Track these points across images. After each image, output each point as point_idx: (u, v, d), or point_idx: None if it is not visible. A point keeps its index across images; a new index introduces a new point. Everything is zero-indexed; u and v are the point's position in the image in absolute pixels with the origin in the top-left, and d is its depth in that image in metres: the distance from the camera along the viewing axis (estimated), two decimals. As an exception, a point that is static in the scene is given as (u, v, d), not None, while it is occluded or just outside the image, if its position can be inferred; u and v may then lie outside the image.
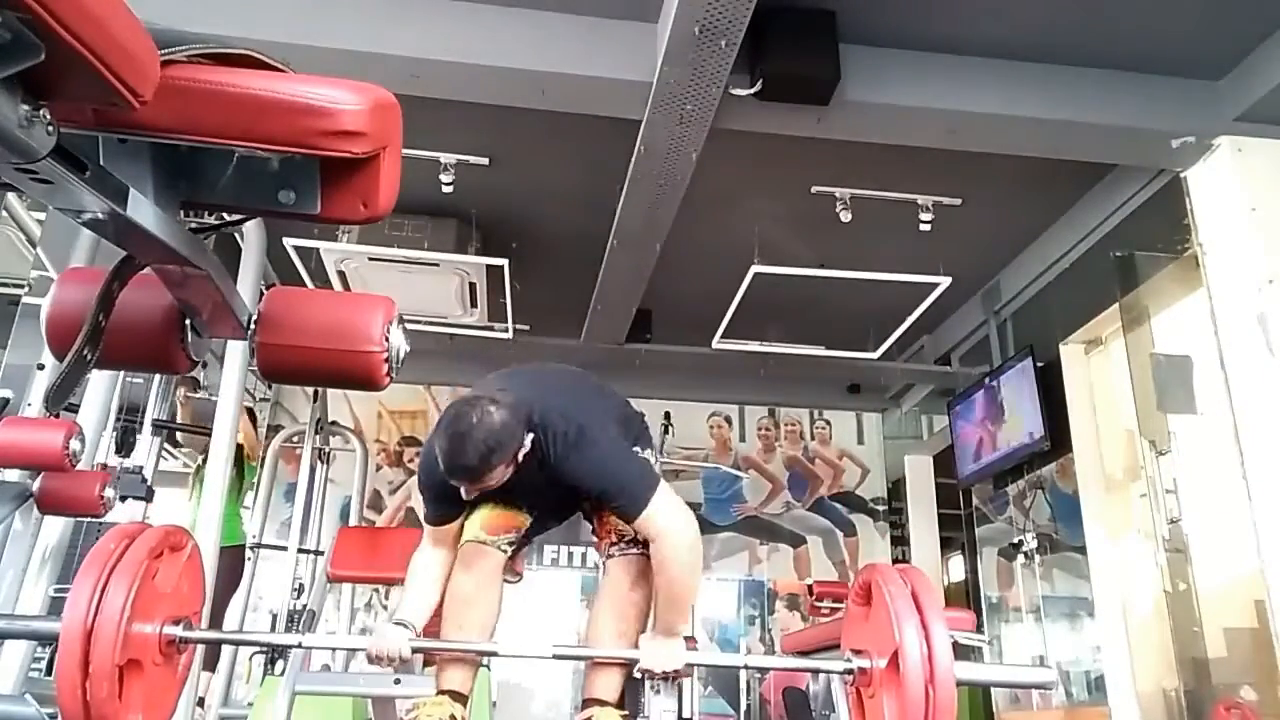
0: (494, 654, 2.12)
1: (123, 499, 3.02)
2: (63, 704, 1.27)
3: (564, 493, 2.21)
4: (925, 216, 4.72)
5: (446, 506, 2.19)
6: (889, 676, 1.54)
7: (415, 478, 2.25)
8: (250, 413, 4.92)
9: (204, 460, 4.48)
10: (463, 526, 2.28)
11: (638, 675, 2.13)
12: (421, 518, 2.28)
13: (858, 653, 1.66)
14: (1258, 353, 3.54)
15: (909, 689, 1.46)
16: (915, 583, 1.58)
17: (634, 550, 2.21)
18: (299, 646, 2.47)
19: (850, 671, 1.66)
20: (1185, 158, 3.92)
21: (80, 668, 1.25)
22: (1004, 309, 5.87)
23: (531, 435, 2.03)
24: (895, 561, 7.04)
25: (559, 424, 2.08)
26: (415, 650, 2.09)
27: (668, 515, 2.05)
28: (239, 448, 4.30)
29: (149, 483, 3.50)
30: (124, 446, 3.86)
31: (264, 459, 5.02)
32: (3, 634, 2.03)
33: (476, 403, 1.97)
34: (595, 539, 2.33)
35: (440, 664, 2.21)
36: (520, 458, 2.02)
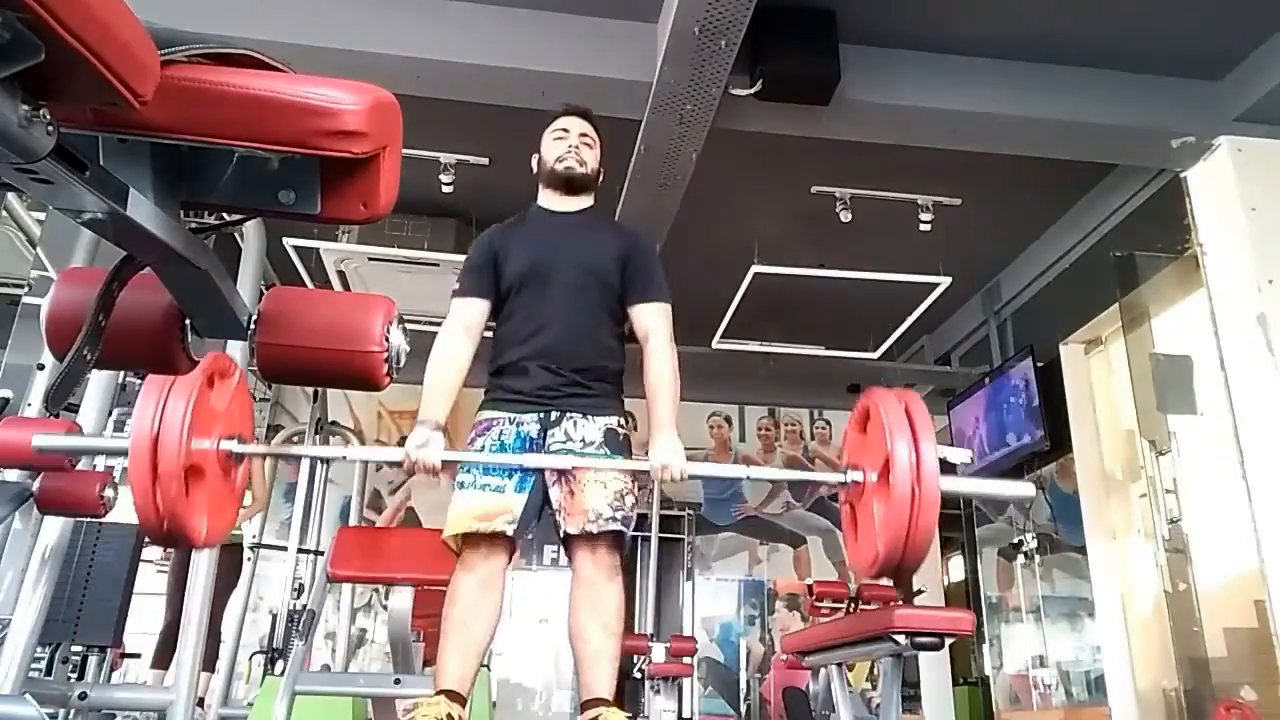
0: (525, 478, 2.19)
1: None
2: (138, 506, 1.37)
3: (592, 266, 2.39)
4: (925, 216, 4.72)
5: (484, 276, 2.41)
6: (880, 486, 1.66)
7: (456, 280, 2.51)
8: None
9: None
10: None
11: (656, 480, 2.14)
12: (454, 296, 2.44)
13: (853, 468, 1.78)
14: (1258, 353, 3.54)
15: (896, 486, 1.56)
16: (909, 403, 1.68)
17: (610, 527, 2.15)
18: (339, 456, 2.44)
19: (845, 484, 1.78)
20: (1185, 158, 3.92)
21: (150, 471, 1.36)
22: (1004, 309, 5.87)
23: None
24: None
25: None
26: (446, 463, 2.13)
27: (668, 317, 2.41)
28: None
29: None
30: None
31: (264, 460, 5.02)
32: (79, 451, 2.23)
33: None
34: (564, 517, 2.19)
35: (439, 661, 2.19)
36: (601, 162, 2.56)
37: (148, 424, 1.37)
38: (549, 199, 2.52)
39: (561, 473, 2.23)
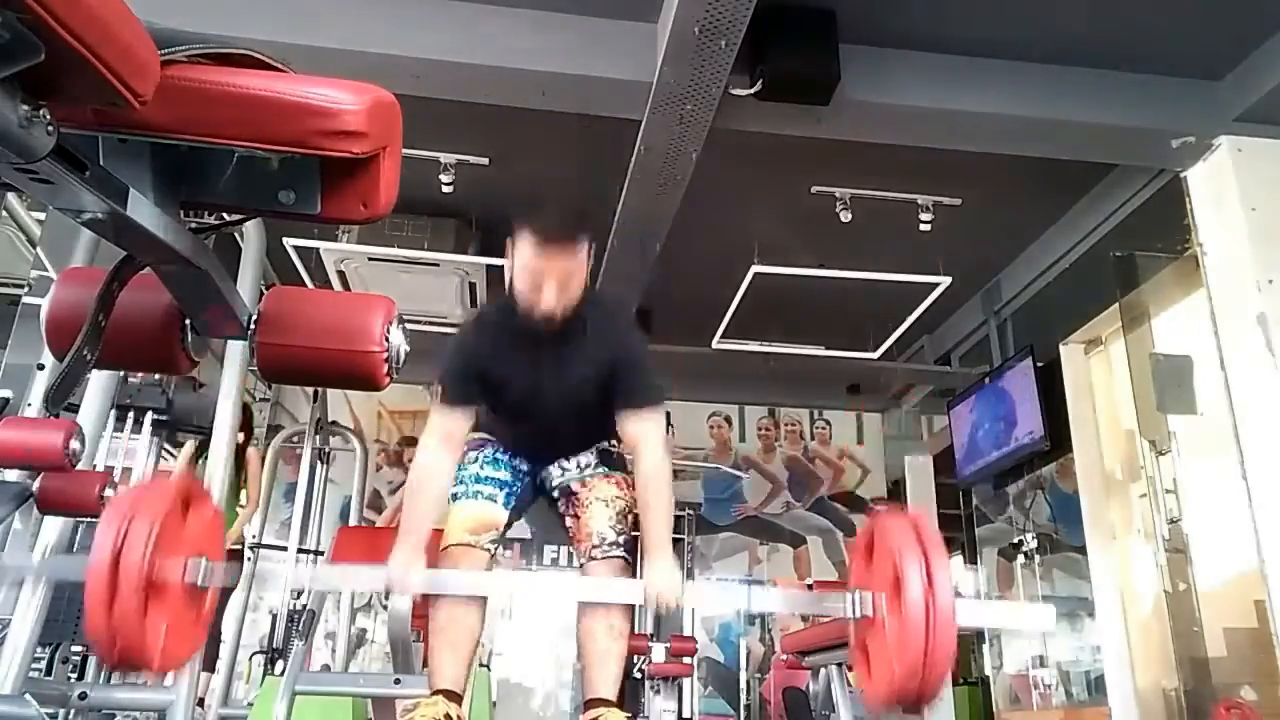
0: (511, 592, 2.14)
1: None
2: (90, 627, 1.32)
3: (578, 392, 2.16)
4: (925, 216, 4.72)
5: (470, 386, 2.18)
6: (892, 613, 1.58)
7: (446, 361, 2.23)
8: (246, 409, 4.86)
9: (197, 451, 4.46)
10: (459, 476, 2.26)
11: (650, 606, 2.08)
12: (437, 400, 2.20)
13: (861, 591, 1.71)
14: (1258, 353, 3.54)
15: (910, 611, 1.49)
16: (918, 524, 1.62)
17: (615, 553, 2.20)
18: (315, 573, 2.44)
19: (855, 616, 1.71)
20: (1185, 158, 3.92)
21: (107, 591, 1.30)
22: (1004, 309, 5.87)
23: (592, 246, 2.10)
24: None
25: (611, 296, 2.24)
26: (426, 595, 2.10)
27: (661, 424, 2.15)
28: (238, 448, 4.29)
29: None
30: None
31: (265, 459, 5.02)
32: (31, 571, 2.13)
33: None
34: (574, 542, 2.28)
35: (431, 663, 2.19)
36: (588, 264, 2.08)
37: (110, 539, 1.31)
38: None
39: (567, 499, 2.28)
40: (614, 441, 2.35)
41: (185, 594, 1.44)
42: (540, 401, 2.22)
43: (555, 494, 2.33)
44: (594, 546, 2.20)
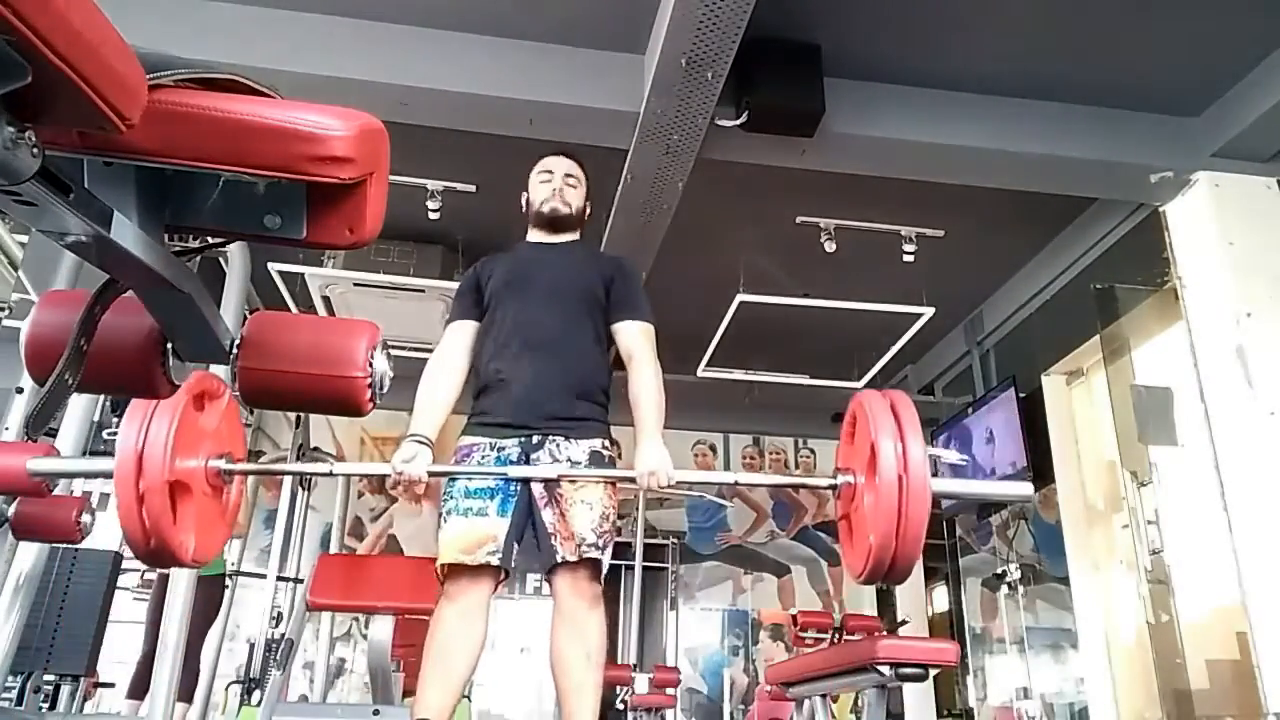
0: (514, 476, 2.19)
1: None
2: (124, 525, 1.36)
3: (567, 291, 2.45)
4: (908, 247, 4.76)
5: (469, 303, 2.49)
6: (869, 484, 1.63)
7: (455, 297, 2.61)
8: None
9: None
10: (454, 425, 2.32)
11: (643, 488, 2.13)
12: (446, 323, 2.52)
13: (843, 471, 1.76)
14: (1237, 385, 3.57)
15: (883, 478, 1.53)
16: (895, 400, 1.67)
17: (591, 553, 2.19)
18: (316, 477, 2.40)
19: (835, 486, 1.76)
20: (1164, 192, 3.98)
21: (134, 488, 1.33)
22: (986, 340, 5.91)
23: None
24: (881, 594, 7.03)
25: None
26: (433, 475, 2.16)
27: (651, 336, 2.48)
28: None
29: None
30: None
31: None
32: (64, 474, 2.07)
33: None
34: (559, 542, 2.21)
35: (419, 690, 2.16)
36: (587, 200, 2.65)
37: (132, 441, 1.36)
38: (536, 236, 2.62)
39: (551, 494, 2.24)
40: (607, 444, 2.36)
41: (210, 485, 1.48)
42: (536, 282, 2.44)
43: (542, 490, 2.26)
44: (576, 547, 2.19)
